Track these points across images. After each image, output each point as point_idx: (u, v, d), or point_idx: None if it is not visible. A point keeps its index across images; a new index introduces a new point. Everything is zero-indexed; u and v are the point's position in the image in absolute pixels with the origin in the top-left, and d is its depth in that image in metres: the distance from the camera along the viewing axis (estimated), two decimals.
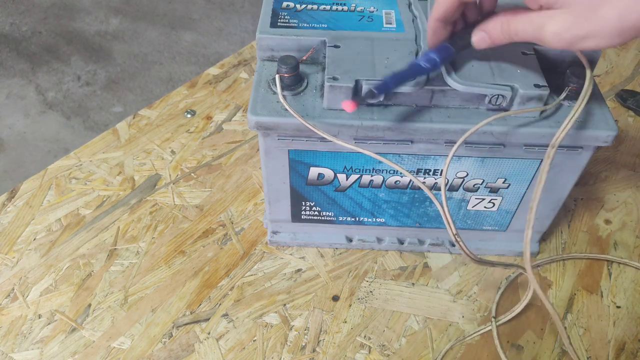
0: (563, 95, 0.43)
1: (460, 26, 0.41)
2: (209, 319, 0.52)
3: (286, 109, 0.42)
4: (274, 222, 0.56)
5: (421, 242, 0.57)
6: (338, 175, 0.49)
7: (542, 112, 0.43)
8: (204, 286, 0.54)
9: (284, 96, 0.43)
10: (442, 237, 0.57)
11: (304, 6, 0.50)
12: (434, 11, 0.39)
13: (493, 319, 0.51)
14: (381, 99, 0.43)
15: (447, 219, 0.41)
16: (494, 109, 0.44)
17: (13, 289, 0.54)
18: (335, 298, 0.53)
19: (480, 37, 0.39)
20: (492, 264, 0.45)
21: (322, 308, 0.53)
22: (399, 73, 0.39)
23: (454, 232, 0.40)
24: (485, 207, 0.52)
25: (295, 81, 0.44)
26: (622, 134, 0.72)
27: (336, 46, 0.45)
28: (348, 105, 0.38)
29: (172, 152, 0.67)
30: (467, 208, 0.52)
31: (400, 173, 0.48)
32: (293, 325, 0.51)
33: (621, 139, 0.71)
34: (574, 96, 0.44)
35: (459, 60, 0.44)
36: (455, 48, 0.40)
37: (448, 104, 0.44)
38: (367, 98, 0.38)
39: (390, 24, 0.48)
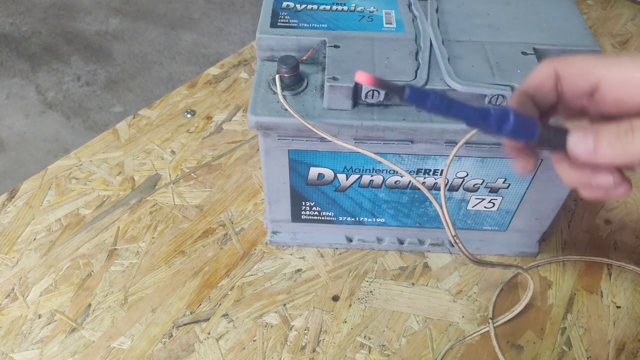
0: None
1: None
2: (209, 319, 0.52)
3: (286, 109, 0.42)
4: (274, 222, 0.56)
5: (421, 242, 0.57)
6: (338, 175, 0.49)
7: None
8: (204, 286, 0.54)
9: (284, 96, 0.43)
10: (442, 237, 0.57)
11: (304, 6, 0.50)
12: (523, 82, 0.31)
13: (490, 320, 0.51)
14: (381, 99, 0.43)
15: (446, 220, 0.41)
16: None
17: (13, 289, 0.54)
18: (335, 298, 0.53)
19: (581, 140, 0.27)
20: (492, 264, 0.45)
21: (322, 308, 0.53)
22: (455, 100, 0.27)
23: (453, 233, 0.40)
24: (485, 207, 0.52)
25: (295, 81, 0.44)
26: None
27: (336, 46, 0.45)
28: (363, 76, 0.28)
29: (172, 152, 0.67)
30: (467, 208, 0.52)
31: (401, 173, 0.48)
32: (293, 325, 0.51)
33: None
34: None
35: (459, 60, 0.44)
36: (543, 128, 0.28)
37: None
38: (391, 89, 0.28)
39: (390, 24, 0.48)
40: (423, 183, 0.49)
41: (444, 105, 0.27)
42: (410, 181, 0.49)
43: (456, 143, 0.44)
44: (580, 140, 0.27)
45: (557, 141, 0.28)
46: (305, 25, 0.47)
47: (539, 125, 0.28)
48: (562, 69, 0.29)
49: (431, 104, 0.27)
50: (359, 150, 0.42)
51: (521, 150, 0.31)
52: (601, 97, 0.28)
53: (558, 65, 0.29)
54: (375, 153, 0.43)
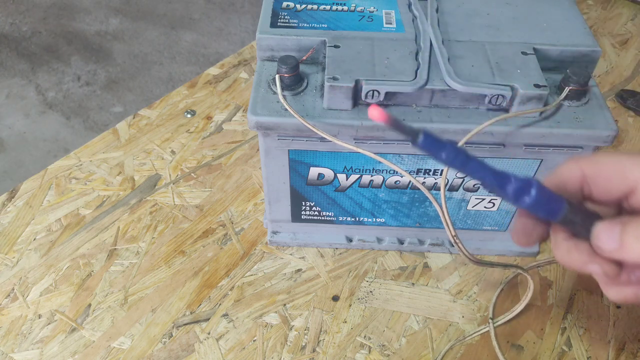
0: (563, 95, 0.43)
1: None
2: (209, 319, 0.52)
3: (286, 109, 0.42)
4: (274, 222, 0.56)
5: (421, 242, 0.57)
6: (338, 175, 0.49)
7: (542, 112, 0.43)
8: (204, 286, 0.54)
9: (284, 96, 0.43)
10: (442, 237, 0.57)
11: (304, 6, 0.50)
12: (546, 179, 0.28)
13: (490, 320, 0.51)
14: (381, 99, 0.43)
15: (446, 220, 0.41)
16: (494, 109, 0.44)
17: (13, 289, 0.54)
18: (335, 298, 0.53)
19: (606, 231, 0.25)
20: (492, 264, 0.45)
21: (322, 308, 0.53)
22: (472, 158, 0.25)
23: (453, 233, 0.40)
24: (485, 207, 0.52)
25: (295, 81, 0.44)
26: (622, 134, 0.72)
27: (336, 46, 0.45)
28: (376, 113, 0.25)
29: (172, 152, 0.67)
30: (467, 208, 0.52)
31: (401, 173, 0.48)
32: (293, 325, 0.51)
33: (621, 139, 0.71)
34: (574, 96, 0.44)
35: (459, 60, 0.44)
36: (570, 209, 0.26)
37: (448, 104, 0.44)
38: (404, 132, 0.25)
39: (390, 24, 0.48)
40: (423, 183, 0.49)
41: (459, 160, 0.24)
42: (410, 181, 0.49)
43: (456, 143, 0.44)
44: (605, 232, 0.24)
45: (582, 226, 0.26)
46: (305, 25, 0.47)
47: (565, 206, 0.25)
48: (590, 171, 0.27)
49: (446, 156, 0.24)
50: (359, 150, 0.42)
51: (532, 223, 0.28)
52: (637, 199, 0.26)
53: (586, 166, 0.27)
54: (375, 153, 0.44)
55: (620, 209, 0.27)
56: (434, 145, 0.24)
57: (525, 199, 0.25)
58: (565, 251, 0.27)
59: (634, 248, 0.23)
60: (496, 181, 0.25)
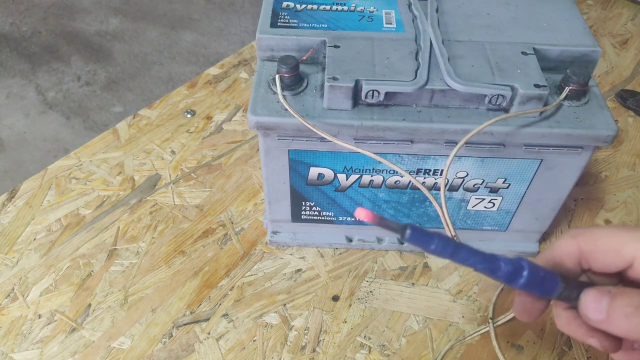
0: (563, 95, 0.43)
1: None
2: (209, 319, 0.52)
3: (286, 109, 0.42)
4: (274, 222, 0.56)
5: None
6: (338, 175, 0.49)
7: (542, 112, 0.43)
8: (204, 286, 0.54)
9: (284, 96, 0.43)
10: None
11: (304, 6, 0.50)
12: (543, 254, 0.28)
13: (490, 320, 0.51)
14: (381, 99, 0.43)
15: (445, 220, 0.41)
16: (494, 109, 0.44)
17: (13, 289, 0.54)
18: (335, 298, 0.53)
19: (594, 302, 0.24)
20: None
21: (322, 308, 0.53)
22: (462, 245, 0.25)
23: (453, 233, 0.40)
24: (485, 207, 0.52)
25: (295, 81, 0.44)
26: (622, 134, 0.72)
27: (336, 46, 0.45)
28: (363, 213, 0.25)
29: (172, 152, 0.67)
30: (467, 208, 0.52)
31: (401, 173, 0.48)
32: (293, 325, 0.51)
33: (621, 139, 0.71)
34: (574, 96, 0.44)
35: (459, 60, 0.44)
36: (565, 285, 0.26)
37: (448, 104, 0.44)
38: (391, 229, 0.24)
39: (390, 24, 0.48)
40: (423, 183, 0.49)
41: (449, 250, 0.25)
42: (410, 181, 0.49)
43: (456, 143, 0.44)
44: (592, 301, 0.24)
45: (578, 300, 0.25)
46: (305, 25, 0.47)
47: (559, 284, 0.25)
48: (586, 246, 0.26)
49: (435, 247, 0.24)
50: (359, 150, 0.42)
51: (531, 301, 0.27)
52: (636, 272, 0.25)
53: (582, 241, 0.26)
54: (375, 153, 0.43)
55: (622, 279, 0.27)
56: (422, 238, 0.24)
57: (519, 281, 0.25)
58: (565, 322, 0.27)
59: (620, 323, 0.23)
60: (487, 267, 0.25)
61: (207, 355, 0.49)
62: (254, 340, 0.50)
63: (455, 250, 0.25)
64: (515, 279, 0.25)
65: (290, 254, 0.57)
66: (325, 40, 0.46)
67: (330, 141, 0.42)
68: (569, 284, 0.26)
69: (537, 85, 0.42)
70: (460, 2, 0.51)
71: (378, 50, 0.45)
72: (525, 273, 0.25)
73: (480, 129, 0.41)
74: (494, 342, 0.50)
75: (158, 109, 0.73)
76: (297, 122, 0.42)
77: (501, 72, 0.43)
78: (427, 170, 0.48)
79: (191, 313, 0.52)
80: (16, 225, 0.59)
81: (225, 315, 0.52)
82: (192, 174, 0.65)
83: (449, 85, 0.42)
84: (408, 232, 0.24)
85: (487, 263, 0.25)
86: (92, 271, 0.55)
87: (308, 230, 0.56)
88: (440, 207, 0.41)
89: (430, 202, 0.51)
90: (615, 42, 0.87)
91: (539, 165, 0.47)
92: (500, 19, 0.49)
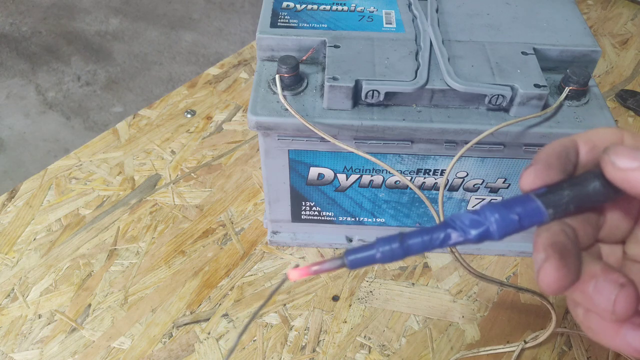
0: (563, 95, 0.43)
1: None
2: (209, 319, 0.52)
3: (286, 109, 0.42)
4: (274, 222, 0.56)
5: None
6: (338, 175, 0.49)
7: (542, 112, 0.43)
8: (204, 286, 0.54)
9: (284, 96, 0.43)
10: None
11: (304, 6, 0.50)
12: (549, 145, 0.25)
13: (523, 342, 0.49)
14: (381, 99, 0.43)
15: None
16: (494, 109, 0.44)
17: (13, 289, 0.54)
18: (335, 298, 0.53)
19: (627, 151, 0.21)
20: (513, 287, 0.44)
21: (322, 308, 0.53)
22: (404, 237, 0.23)
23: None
24: None
25: (295, 81, 0.44)
26: None
27: (336, 46, 0.45)
28: (296, 274, 0.24)
29: (172, 152, 0.67)
30: (467, 208, 0.52)
31: (398, 177, 0.48)
32: (293, 325, 0.51)
33: None
34: (574, 96, 0.44)
35: (459, 60, 0.44)
36: (552, 211, 0.22)
37: (448, 104, 0.44)
38: (331, 267, 0.24)
39: (390, 24, 0.48)
40: (423, 183, 0.49)
41: (396, 253, 0.23)
42: (410, 181, 0.49)
43: (456, 143, 0.44)
44: (625, 151, 0.21)
45: (566, 201, 0.22)
46: (305, 25, 0.47)
47: (545, 213, 0.22)
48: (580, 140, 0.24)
49: (381, 254, 0.23)
50: (358, 151, 0.42)
51: (558, 250, 0.21)
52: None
53: (577, 137, 0.24)
54: (375, 153, 0.44)
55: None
56: (361, 255, 0.23)
57: (490, 228, 0.22)
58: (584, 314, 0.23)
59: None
60: (446, 234, 0.23)
61: (207, 355, 0.49)
62: (254, 340, 0.50)
63: (402, 243, 0.23)
64: (487, 230, 0.22)
65: (290, 254, 0.57)
66: (325, 40, 0.46)
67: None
68: (554, 187, 0.22)
69: (537, 85, 0.42)
70: (460, 2, 0.51)
71: (378, 50, 0.45)
72: (493, 218, 0.22)
73: (487, 133, 0.41)
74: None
75: (158, 109, 0.73)
76: (297, 122, 0.42)
77: (501, 72, 0.43)
78: (427, 170, 0.48)
79: (191, 313, 0.52)
80: (16, 225, 0.59)
81: (225, 315, 0.52)
82: (192, 174, 0.65)
83: (449, 85, 0.42)
84: (346, 260, 0.23)
85: (443, 229, 0.23)
86: (92, 271, 0.55)
87: (308, 230, 0.56)
88: (437, 214, 0.41)
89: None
90: (615, 42, 0.87)
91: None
92: (500, 19, 0.49)
